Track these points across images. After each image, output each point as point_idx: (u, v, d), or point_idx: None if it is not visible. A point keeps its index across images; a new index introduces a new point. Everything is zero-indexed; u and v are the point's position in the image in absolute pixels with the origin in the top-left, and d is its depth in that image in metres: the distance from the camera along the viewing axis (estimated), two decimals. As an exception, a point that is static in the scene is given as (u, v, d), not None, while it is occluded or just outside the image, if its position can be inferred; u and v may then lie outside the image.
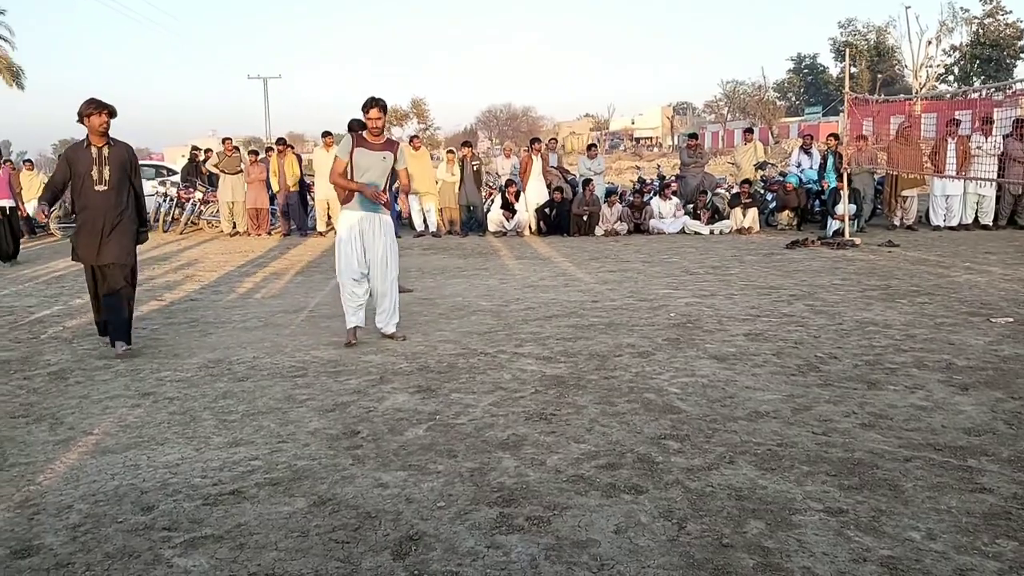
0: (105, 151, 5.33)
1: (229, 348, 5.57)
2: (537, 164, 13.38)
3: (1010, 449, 3.32)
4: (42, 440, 3.78)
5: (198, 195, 15.16)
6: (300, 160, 14.31)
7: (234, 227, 14.23)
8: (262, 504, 3.01)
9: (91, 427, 3.95)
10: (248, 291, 8.14)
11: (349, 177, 5.39)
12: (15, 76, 33.66)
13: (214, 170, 14.61)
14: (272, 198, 14.36)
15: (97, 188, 5.32)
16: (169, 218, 15.37)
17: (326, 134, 14.03)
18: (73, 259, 5.70)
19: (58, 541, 2.76)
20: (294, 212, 14.12)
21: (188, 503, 3.03)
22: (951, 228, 11.99)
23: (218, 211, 14.76)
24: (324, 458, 3.46)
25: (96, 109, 5.26)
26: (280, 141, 14.47)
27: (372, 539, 2.71)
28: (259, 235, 14.01)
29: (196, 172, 15.87)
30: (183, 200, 15.28)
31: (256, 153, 14.72)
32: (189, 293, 8.14)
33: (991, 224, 12.03)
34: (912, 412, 3.83)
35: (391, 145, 5.54)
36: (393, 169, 5.56)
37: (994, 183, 11.62)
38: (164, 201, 15.50)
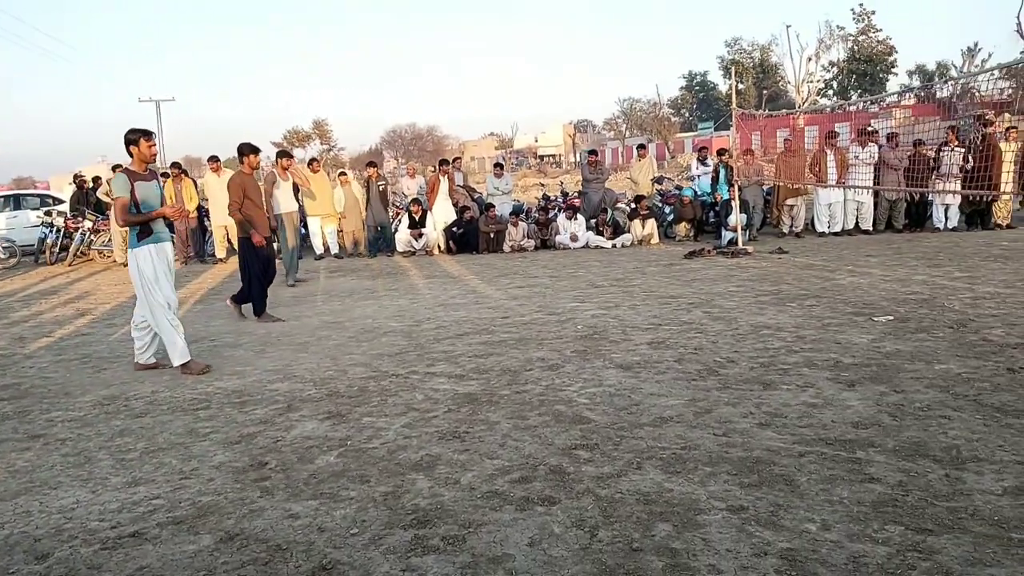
0: None
1: (125, 383, 5.33)
2: (445, 184, 13.48)
3: (895, 440, 3.55)
4: (-82, 493, 3.52)
5: (88, 224, 14.42)
6: (196, 185, 13.88)
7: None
8: (165, 544, 2.90)
9: (-26, 476, 3.70)
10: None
11: (136, 211, 5.40)
12: None
13: (105, 198, 13.96)
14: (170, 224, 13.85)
15: None
16: (56, 249, 14.55)
17: (213, 158, 13.72)
18: None
19: (-60, 600, 2.58)
20: (192, 238, 13.66)
21: (85, 548, 2.89)
22: (835, 234, 12.72)
23: (110, 240, 14.10)
24: (231, 492, 3.36)
25: None
26: (175, 166, 14.00)
27: (284, 571, 2.65)
28: (155, 264, 13.44)
29: (85, 201, 15.14)
30: (71, 230, 14.49)
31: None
32: (80, 328, 7.73)
33: (871, 229, 12.84)
34: (804, 409, 4.04)
35: (155, 175, 5.72)
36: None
37: (871, 190, 12.43)
38: (50, 232, 14.68)
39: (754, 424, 3.86)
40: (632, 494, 3.11)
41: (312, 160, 14.58)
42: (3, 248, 14.59)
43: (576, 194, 15.76)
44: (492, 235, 13.01)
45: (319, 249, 13.48)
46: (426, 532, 2.88)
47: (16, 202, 17.90)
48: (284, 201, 10.02)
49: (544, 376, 4.94)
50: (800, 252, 10.85)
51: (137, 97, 65.38)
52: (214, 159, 13.66)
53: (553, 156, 69.09)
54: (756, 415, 3.99)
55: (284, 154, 10.52)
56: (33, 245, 15.19)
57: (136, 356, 5.69)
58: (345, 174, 14.08)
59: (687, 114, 67.70)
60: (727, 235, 11.97)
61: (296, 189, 11.06)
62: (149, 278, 5.44)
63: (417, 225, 13.27)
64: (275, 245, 9.79)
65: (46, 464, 3.81)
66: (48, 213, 15.39)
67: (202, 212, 14.10)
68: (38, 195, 19.34)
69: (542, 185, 29.89)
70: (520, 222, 13.26)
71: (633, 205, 13.52)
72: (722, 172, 12.83)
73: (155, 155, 5.56)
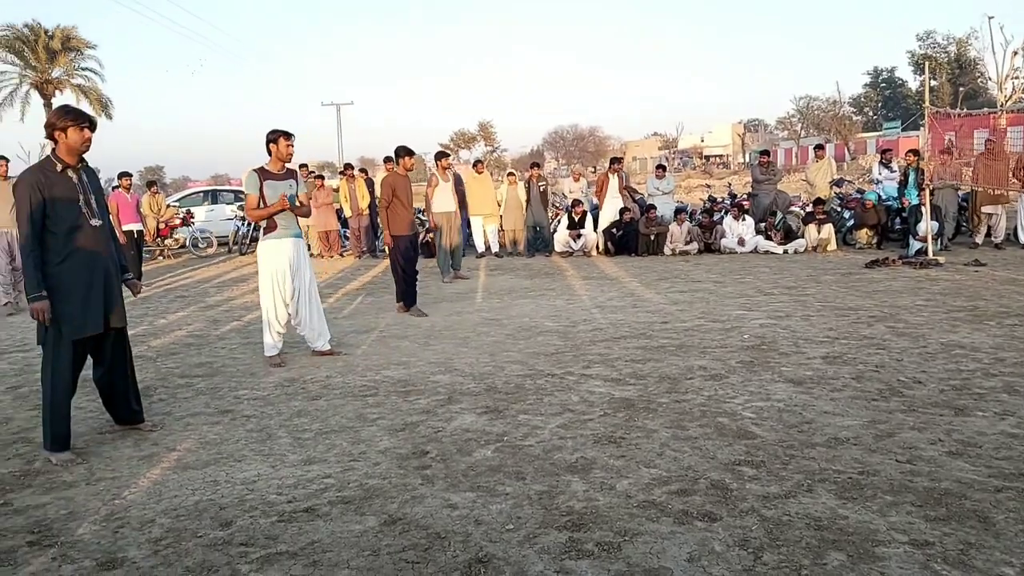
0: (84, 176, 4.00)
1: (303, 367, 5.70)
2: (614, 182, 13.41)
3: (1115, 482, 3.10)
4: (127, 455, 3.94)
5: (275, 218, 15.67)
6: (371, 185, 14.68)
7: (308, 249, 14.64)
8: (335, 522, 3.06)
9: (173, 443, 4.09)
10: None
11: (264, 207, 5.65)
12: (104, 107, 35.64)
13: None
14: (344, 221, 14.77)
15: (93, 223, 3.94)
16: (247, 241, 15.94)
17: (388, 159, 14.40)
18: (53, 336, 3.86)
19: (141, 554, 2.86)
20: (365, 235, 14.46)
21: (264, 519, 3.11)
22: (1043, 246, 11.37)
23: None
24: (394, 477, 3.49)
25: (77, 121, 3.90)
26: (348, 167, 14.93)
27: (442, 560, 2.72)
28: (331, 257, 14.37)
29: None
30: (260, 223, 15.81)
31: (321, 178, 15.16)
32: (265, 313, 8.36)
33: (1087, 241, 11.36)
34: (1003, 440, 3.62)
35: (292, 174, 5.85)
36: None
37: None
38: (242, 225, 16.12)
39: (943, 452, 3.50)
40: (802, 517, 2.91)
41: (476, 161, 15.02)
42: (202, 239, 16.15)
43: (744, 196, 15.15)
44: (652, 237, 12.77)
45: (480, 247, 13.84)
46: (581, 536, 2.85)
47: (214, 197, 19.80)
48: (443, 201, 10.33)
49: (706, 386, 4.76)
50: (1000, 265, 9.78)
51: (320, 101, 70.11)
52: (388, 160, 14.36)
53: (720, 156, 66.89)
54: (946, 443, 3.62)
55: (443, 155, 10.85)
56: (227, 236, 16.73)
57: (312, 344, 6.06)
58: (513, 174, 14.41)
59: (871, 113, 63.23)
60: (915, 244, 11.02)
61: (459, 191, 11.41)
62: (264, 272, 5.76)
63: (576, 226, 13.29)
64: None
65: (233, 438, 4.15)
66: (241, 207, 16.91)
67: (375, 209, 14.88)
68: (232, 191, 21.29)
69: (707, 186, 29.10)
70: (683, 223, 12.91)
71: (809, 208, 12.79)
72: (911, 175, 11.84)
73: (292, 155, 5.73)
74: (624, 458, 3.60)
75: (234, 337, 7.09)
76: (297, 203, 5.68)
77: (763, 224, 12.78)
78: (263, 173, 5.68)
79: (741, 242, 12.45)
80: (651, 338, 6.23)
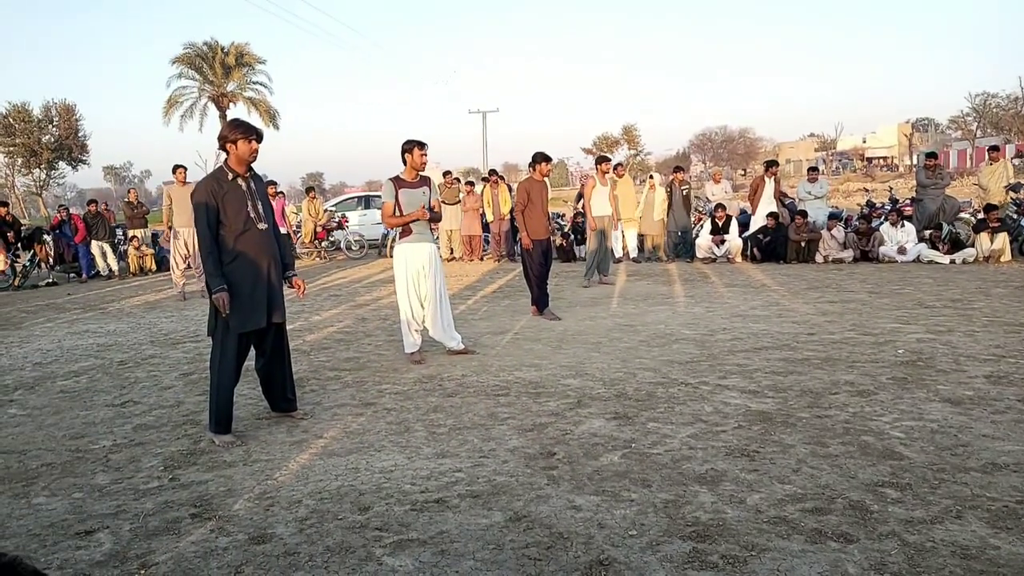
0: (252, 184, 4.34)
1: (441, 366, 5.92)
2: (770, 186, 13.00)
3: None
4: (280, 440, 4.27)
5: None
6: (511, 190, 14.98)
7: (451, 253, 15.16)
8: (463, 514, 3.17)
9: (321, 431, 4.38)
10: (460, 313, 8.60)
11: (399, 215, 5.87)
12: (272, 118, 38.52)
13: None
14: (485, 226, 15.16)
15: (260, 227, 4.28)
16: (395, 244, 16.68)
17: (532, 165, 14.62)
18: (222, 329, 4.23)
19: (287, 532, 3.09)
20: (505, 239, 14.76)
21: (398, 507, 3.27)
22: None
23: (438, 237, 15.84)
24: (521, 476, 3.57)
25: (246, 134, 4.24)
26: (492, 172, 15.30)
27: (563, 559, 2.76)
28: (472, 260, 14.78)
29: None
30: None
31: (472, 184, 15.61)
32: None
33: None
34: None
35: (426, 181, 5.97)
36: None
37: None
38: (390, 230, 16.91)
39: (1125, 487, 3.14)
40: (947, 545, 2.71)
41: (617, 165, 14.92)
42: (355, 241, 17.07)
43: (907, 201, 14.16)
44: (803, 244, 12.20)
45: (619, 252, 13.76)
46: (705, 547, 2.80)
47: (366, 202, 20.86)
48: (599, 204, 10.31)
49: (852, 402, 4.51)
50: None
51: (467, 109, 72.11)
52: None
53: (884, 159, 62.67)
54: None
55: (603, 159, 10.83)
56: (378, 240, 17.60)
57: (446, 344, 6.27)
58: (652, 178, 14.26)
59: (1060, 110, 56.99)
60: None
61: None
62: (398, 275, 5.99)
63: (720, 231, 12.93)
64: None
65: (374, 429, 4.39)
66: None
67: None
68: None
69: (867, 190, 27.42)
70: (837, 230, 12.24)
71: (981, 215, 11.76)
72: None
73: (425, 163, 5.88)
74: (757, 472, 3.49)
75: (380, 334, 7.47)
76: (432, 209, 5.93)
77: (928, 232, 11.89)
78: (398, 182, 5.92)
79: (902, 250, 11.65)
80: (795, 350, 5.97)
